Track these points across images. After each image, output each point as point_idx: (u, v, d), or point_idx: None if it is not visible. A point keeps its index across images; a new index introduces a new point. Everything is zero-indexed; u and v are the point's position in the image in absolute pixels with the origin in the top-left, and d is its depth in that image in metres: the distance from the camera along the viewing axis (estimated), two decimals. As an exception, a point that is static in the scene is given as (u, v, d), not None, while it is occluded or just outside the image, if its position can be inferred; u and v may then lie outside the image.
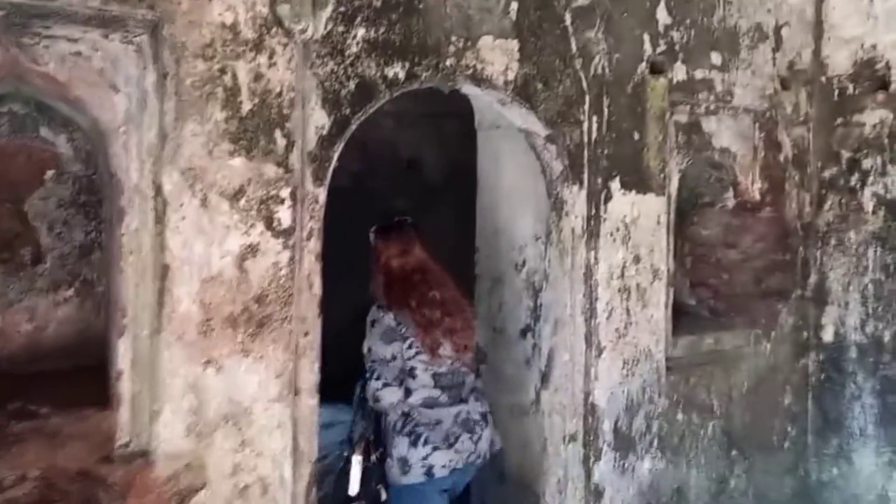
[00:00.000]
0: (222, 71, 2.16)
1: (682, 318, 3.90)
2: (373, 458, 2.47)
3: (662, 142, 3.31)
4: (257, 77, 2.23)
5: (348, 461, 2.48)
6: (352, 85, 2.49)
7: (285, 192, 2.32)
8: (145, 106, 2.09)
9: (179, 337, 2.16)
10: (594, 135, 3.09)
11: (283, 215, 2.32)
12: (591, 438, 3.22)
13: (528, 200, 3.40)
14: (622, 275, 3.23)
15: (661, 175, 3.32)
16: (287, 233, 2.33)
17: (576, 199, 3.10)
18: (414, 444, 2.46)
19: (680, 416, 3.57)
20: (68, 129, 2.38)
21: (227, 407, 2.26)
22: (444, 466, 2.45)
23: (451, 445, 2.46)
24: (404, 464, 2.45)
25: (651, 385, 3.38)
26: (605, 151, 3.13)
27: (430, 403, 2.49)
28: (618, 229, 3.19)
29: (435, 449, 2.45)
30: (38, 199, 2.36)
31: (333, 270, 2.83)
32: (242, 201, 2.24)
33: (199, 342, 2.19)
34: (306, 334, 2.46)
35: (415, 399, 2.49)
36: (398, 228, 2.76)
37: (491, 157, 3.77)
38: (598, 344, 3.19)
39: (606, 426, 3.25)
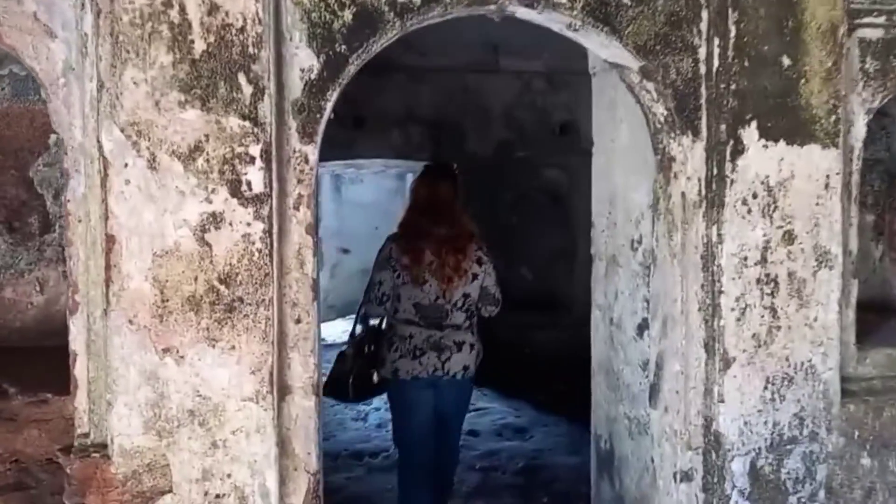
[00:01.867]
0: (167, 4, 1.81)
1: (884, 322, 2.79)
2: (366, 349, 3.09)
3: (833, 69, 2.29)
4: (212, 9, 1.85)
5: (343, 354, 3.15)
6: (348, 15, 2.00)
7: (255, 150, 1.92)
8: (86, 52, 1.82)
9: (131, 319, 1.87)
10: (715, 63, 2.22)
11: (253, 178, 1.92)
12: (714, 480, 2.37)
13: (643, 159, 2.61)
14: (763, 259, 2.31)
15: (833, 118, 2.31)
16: (259, 199, 1.93)
17: (688, 155, 2.27)
18: (388, 348, 3.01)
19: (866, 462, 2.53)
20: (70, 90, 2.22)
21: (193, 403, 1.93)
22: (407, 372, 2.96)
23: (415, 357, 2.94)
24: (383, 361, 3.02)
25: (814, 415, 2.41)
26: (734, 87, 2.23)
27: (408, 321, 2.98)
28: (755, 195, 2.28)
29: (401, 357, 2.96)
30: (42, 165, 2.24)
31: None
32: (200, 161, 1.88)
33: (155, 326, 1.89)
34: (298, 321, 2.05)
35: (399, 316, 3.01)
36: (440, 167, 3.30)
37: (606, 107, 3.02)
38: (723, 353, 2.32)
39: (737, 466, 2.37)
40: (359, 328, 3.17)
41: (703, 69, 2.23)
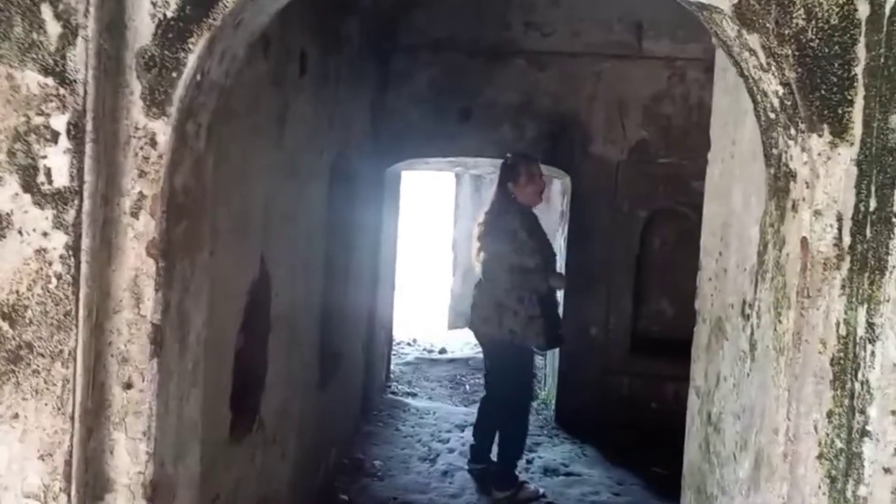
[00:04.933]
0: None
1: None
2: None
3: None
4: None
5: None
6: (225, -87, 1.26)
7: (59, 122, 1.25)
8: None
9: None
10: (890, -2, 1.15)
11: (55, 164, 1.26)
12: None
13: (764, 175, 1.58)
14: (965, 381, 1.19)
15: None
16: (61, 198, 1.26)
17: (818, 169, 1.22)
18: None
19: None
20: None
21: (-41, 489, 1.33)
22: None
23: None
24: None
25: None
26: (928, 42, 1.14)
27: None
28: (956, 257, 1.17)
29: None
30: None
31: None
32: (-21, 136, 1.26)
33: (-89, 371, 1.31)
34: (128, 386, 1.35)
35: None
36: (534, 159, 3.69)
37: (730, 91, 2.00)
38: (863, 545, 1.24)
39: None
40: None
41: (862, 8, 1.17)
